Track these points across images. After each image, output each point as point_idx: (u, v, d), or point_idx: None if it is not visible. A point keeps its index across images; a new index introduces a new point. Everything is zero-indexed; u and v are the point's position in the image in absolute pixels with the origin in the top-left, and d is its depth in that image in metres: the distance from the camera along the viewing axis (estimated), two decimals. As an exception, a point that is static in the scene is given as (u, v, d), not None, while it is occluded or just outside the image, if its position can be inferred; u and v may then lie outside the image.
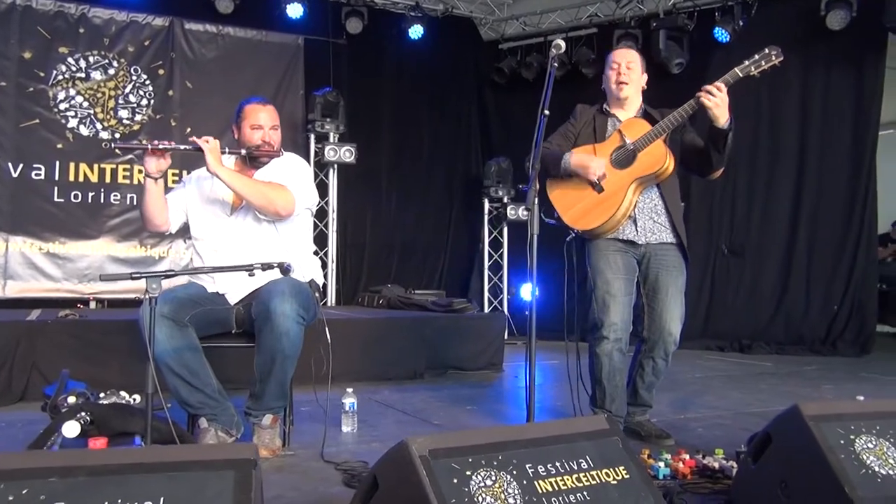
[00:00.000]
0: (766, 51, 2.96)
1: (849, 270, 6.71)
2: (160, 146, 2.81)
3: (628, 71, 3.17)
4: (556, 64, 2.67)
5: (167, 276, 2.36)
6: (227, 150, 2.93)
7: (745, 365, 5.92)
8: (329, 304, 7.22)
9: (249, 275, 2.57)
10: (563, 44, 2.69)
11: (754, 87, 6.96)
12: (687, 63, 7.11)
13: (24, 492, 1.31)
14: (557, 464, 1.67)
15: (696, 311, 6.83)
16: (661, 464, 2.53)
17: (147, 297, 2.25)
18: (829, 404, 2.06)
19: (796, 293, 6.88)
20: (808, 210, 6.90)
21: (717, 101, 2.92)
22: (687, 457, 2.59)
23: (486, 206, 8.27)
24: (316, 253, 3.24)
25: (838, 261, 6.76)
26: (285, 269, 2.57)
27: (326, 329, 2.77)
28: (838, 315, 6.67)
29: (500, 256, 8.37)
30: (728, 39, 6.92)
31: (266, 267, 2.52)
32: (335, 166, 7.54)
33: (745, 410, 3.89)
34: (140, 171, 6.76)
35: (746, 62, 2.97)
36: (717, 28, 6.94)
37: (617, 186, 3.09)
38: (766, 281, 7.01)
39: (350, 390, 3.37)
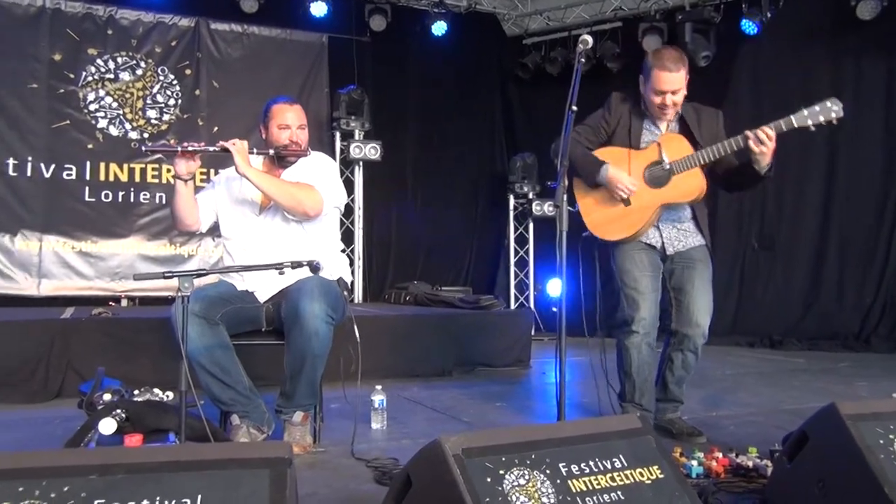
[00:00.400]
0: (828, 104, 2.80)
1: (882, 264, 6.58)
2: (189, 148, 2.83)
3: (673, 97, 3.00)
4: (582, 59, 2.62)
5: (199, 275, 2.39)
6: (254, 150, 2.95)
7: (776, 361, 5.84)
8: (356, 301, 7.25)
9: (279, 273, 2.58)
10: (590, 39, 2.63)
11: (784, 78, 6.87)
12: (714, 56, 7.03)
13: (65, 489, 1.33)
14: (591, 463, 1.65)
15: (725, 306, 6.75)
16: (695, 462, 2.51)
17: (179, 295, 2.28)
18: (867, 403, 2.02)
19: (828, 287, 6.77)
20: (839, 202, 6.79)
21: (763, 150, 2.83)
22: (720, 455, 2.57)
23: (512, 202, 8.25)
24: (343, 251, 3.26)
25: (871, 254, 6.64)
26: (314, 268, 2.59)
27: (355, 327, 2.78)
28: (872, 310, 6.55)
29: (526, 252, 8.34)
30: (756, 32, 6.83)
31: (296, 265, 2.54)
32: (360, 164, 7.57)
33: (778, 408, 3.84)
34: (169, 171, 6.84)
35: (805, 111, 2.81)
36: (744, 20, 6.85)
37: (645, 204, 3.04)
38: (797, 275, 6.92)
39: (379, 387, 3.39)
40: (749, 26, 6.84)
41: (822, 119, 2.82)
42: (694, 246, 3.15)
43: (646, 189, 3.04)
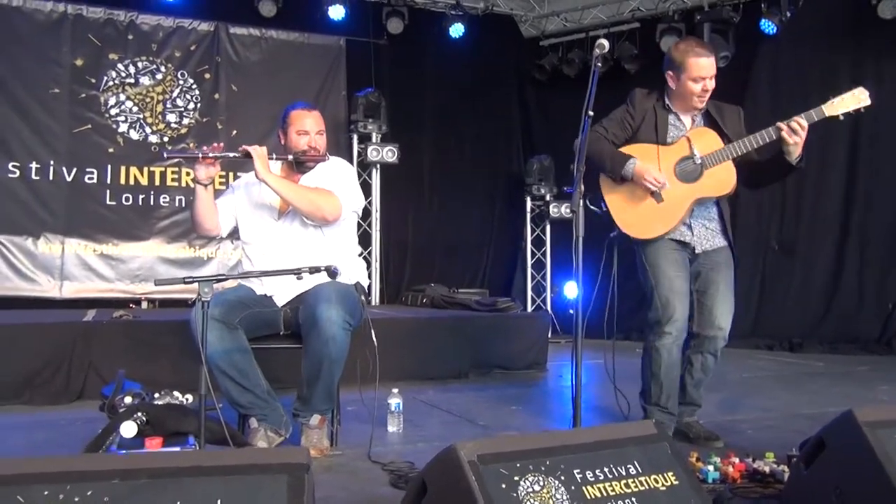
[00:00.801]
0: (856, 93, 2.85)
1: (904, 266, 6.52)
2: (211, 154, 2.86)
3: (711, 82, 2.99)
4: (599, 64, 2.62)
5: (219, 281, 2.41)
6: (274, 155, 2.98)
7: (795, 364, 5.80)
8: (373, 303, 7.28)
9: (297, 278, 2.61)
10: (606, 43, 2.63)
11: (803, 78, 6.82)
12: (732, 56, 6.98)
13: (88, 493, 1.36)
14: (605, 469, 1.66)
15: (744, 308, 6.70)
16: (711, 467, 2.50)
17: (200, 300, 2.31)
18: (886, 409, 2.01)
19: (848, 290, 6.70)
20: (860, 203, 6.72)
21: (796, 140, 2.85)
22: (737, 460, 2.56)
23: (529, 204, 8.26)
24: (360, 254, 3.28)
25: (892, 256, 6.57)
26: (332, 273, 2.61)
27: (373, 332, 2.80)
28: (893, 312, 6.47)
29: (543, 255, 8.34)
30: (775, 31, 6.78)
31: (314, 270, 2.56)
32: (378, 166, 7.60)
33: (796, 412, 3.82)
34: (188, 174, 6.92)
35: (834, 101, 2.86)
36: (763, 20, 6.80)
37: (678, 200, 3.00)
38: (817, 278, 6.85)
39: (396, 391, 3.41)
40: (768, 26, 6.79)
41: (851, 108, 2.86)
42: (719, 247, 3.13)
43: (678, 184, 3.00)
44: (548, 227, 8.31)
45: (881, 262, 6.61)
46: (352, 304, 2.87)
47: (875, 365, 5.72)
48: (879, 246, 6.64)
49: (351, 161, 6.82)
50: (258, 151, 2.88)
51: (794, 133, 2.84)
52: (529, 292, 8.30)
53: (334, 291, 2.81)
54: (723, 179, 3.00)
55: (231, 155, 2.90)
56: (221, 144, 2.95)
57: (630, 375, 3.23)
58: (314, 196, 2.95)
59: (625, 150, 3.06)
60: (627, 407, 3.14)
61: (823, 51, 6.79)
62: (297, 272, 2.54)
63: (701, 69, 2.98)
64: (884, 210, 6.62)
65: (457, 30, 7.85)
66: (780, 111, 6.91)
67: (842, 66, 6.68)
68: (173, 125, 7.10)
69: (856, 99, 2.85)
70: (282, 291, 3.01)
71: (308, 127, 3.06)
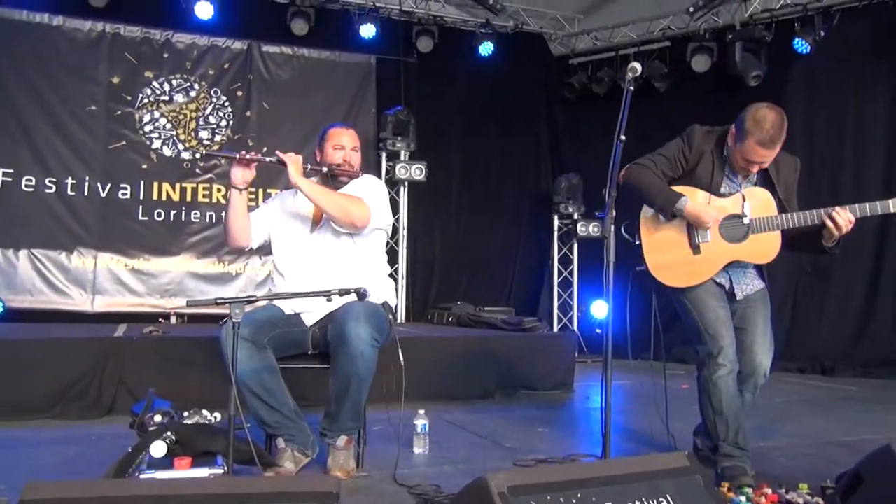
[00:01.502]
0: None
1: (942, 289, 6.38)
2: (247, 156, 2.92)
3: (762, 165, 2.86)
4: (632, 87, 2.60)
5: (250, 302, 2.43)
6: (309, 166, 3.03)
7: (827, 389, 5.69)
8: (398, 320, 7.29)
9: (327, 300, 2.62)
10: (639, 67, 2.62)
11: (838, 99, 6.74)
12: (764, 75, 6.92)
13: (121, 518, 1.38)
14: (637, 502, 1.64)
15: (776, 331, 6.55)
16: (743, 498, 2.46)
17: (231, 322, 2.32)
18: (926, 444, 1.96)
19: (884, 312, 6.58)
20: (894, 227, 6.59)
21: (842, 233, 2.81)
22: (769, 491, 2.51)
23: (556, 222, 8.23)
24: (389, 274, 3.30)
25: (929, 279, 6.44)
26: (361, 295, 2.62)
27: (400, 352, 2.80)
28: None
29: (570, 273, 8.29)
30: (808, 51, 6.72)
31: (343, 293, 2.57)
32: (406, 184, 7.63)
33: (830, 440, 3.72)
34: (219, 190, 7.01)
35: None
36: (796, 39, 6.75)
37: (714, 257, 2.92)
38: (851, 300, 6.74)
39: (422, 412, 3.39)
40: (802, 45, 6.73)
41: None
42: (757, 289, 3.08)
43: (719, 241, 2.92)
44: (575, 246, 8.27)
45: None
46: (380, 322, 2.87)
47: (911, 391, 5.59)
48: (915, 269, 6.51)
49: (379, 178, 6.86)
50: (293, 158, 2.93)
51: (837, 227, 2.79)
52: (556, 311, 8.25)
53: (363, 309, 2.82)
54: (766, 248, 2.92)
55: (267, 159, 2.97)
56: (259, 152, 3.00)
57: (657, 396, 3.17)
58: (344, 200, 2.99)
59: (675, 188, 2.94)
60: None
61: (858, 70, 6.71)
62: (327, 294, 2.56)
63: (755, 155, 2.81)
64: (920, 232, 6.50)
65: (486, 48, 7.90)
66: (813, 132, 6.89)
67: (877, 87, 6.59)
68: (205, 142, 7.20)
69: None
70: (311, 311, 3.03)
71: (344, 142, 3.13)
